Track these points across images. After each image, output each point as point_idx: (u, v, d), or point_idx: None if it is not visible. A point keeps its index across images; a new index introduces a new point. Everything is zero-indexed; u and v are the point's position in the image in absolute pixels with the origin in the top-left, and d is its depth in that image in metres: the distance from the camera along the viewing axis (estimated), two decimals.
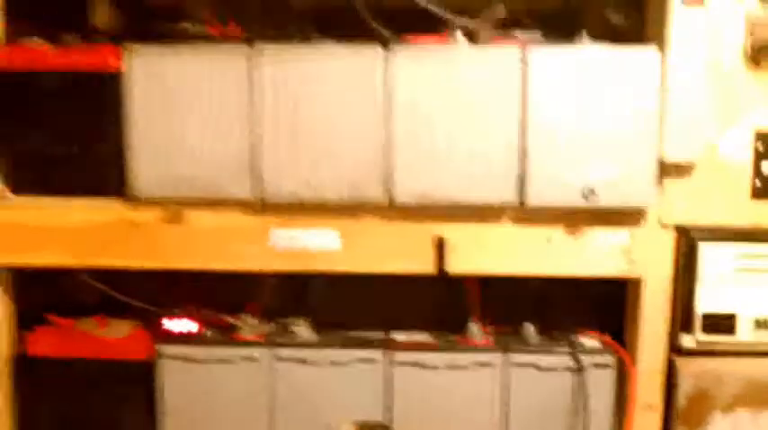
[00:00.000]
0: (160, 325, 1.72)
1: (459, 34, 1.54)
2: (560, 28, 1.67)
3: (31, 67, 1.54)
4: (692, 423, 1.60)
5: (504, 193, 1.54)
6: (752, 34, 1.51)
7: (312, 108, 1.52)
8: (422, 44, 1.53)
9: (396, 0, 1.57)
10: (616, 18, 1.69)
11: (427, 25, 1.61)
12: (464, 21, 1.59)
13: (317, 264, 1.60)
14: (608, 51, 1.51)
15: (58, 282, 1.73)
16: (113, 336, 1.69)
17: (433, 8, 1.58)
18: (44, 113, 1.57)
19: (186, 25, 1.53)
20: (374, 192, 1.55)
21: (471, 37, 1.57)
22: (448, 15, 1.59)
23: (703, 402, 1.59)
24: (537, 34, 1.56)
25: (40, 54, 1.55)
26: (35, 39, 1.55)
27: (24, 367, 1.70)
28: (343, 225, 1.58)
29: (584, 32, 1.53)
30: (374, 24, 1.55)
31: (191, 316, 1.74)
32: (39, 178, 1.59)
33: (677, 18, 1.48)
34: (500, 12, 1.63)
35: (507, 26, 1.62)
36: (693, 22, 1.48)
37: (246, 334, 1.71)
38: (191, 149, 1.54)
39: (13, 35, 1.61)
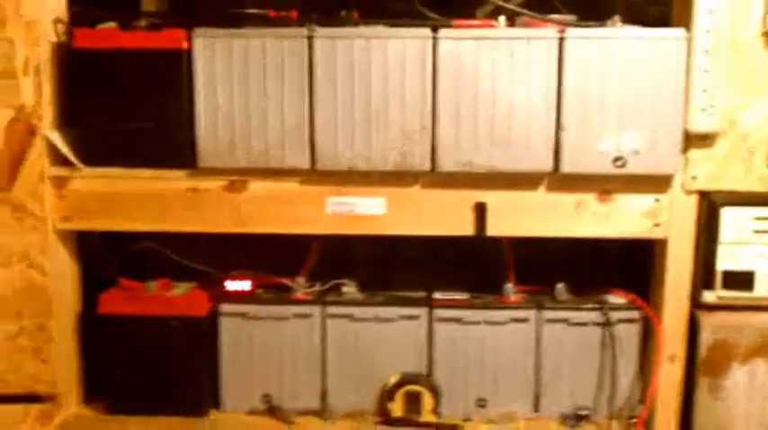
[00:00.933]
0: (220, 285, 1.84)
1: (501, 19, 1.64)
2: (588, 8, 1.80)
3: (107, 47, 1.64)
4: (712, 372, 1.70)
5: (540, 162, 1.63)
6: None
7: (364, 85, 1.62)
8: (466, 27, 1.62)
9: None
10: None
11: (467, 6, 1.74)
12: (499, 2, 1.70)
13: (365, 228, 1.70)
14: (638, 32, 1.60)
15: (127, 247, 1.85)
16: (176, 295, 1.80)
17: None
18: (115, 90, 1.66)
19: (250, 10, 1.64)
20: (419, 161, 1.65)
21: (511, 20, 1.66)
22: None
23: (723, 353, 1.69)
24: (572, 17, 1.65)
25: (115, 35, 1.65)
26: (109, 23, 1.66)
27: (95, 325, 1.81)
28: (391, 192, 1.69)
29: (616, 16, 1.62)
30: (422, 8, 1.65)
31: (248, 277, 1.85)
32: (109, 150, 1.69)
33: (701, 1, 1.57)
34: None
35: (539, 8, 1.71)
36: (716, 4, 1.56)
37: (299, 293, 1.83)
38: (252, 123, 1.65)
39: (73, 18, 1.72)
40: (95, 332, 1.82)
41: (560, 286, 1.81)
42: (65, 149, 1.67)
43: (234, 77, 1.64)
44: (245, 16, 1.64)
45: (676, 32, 1.59)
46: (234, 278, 1.85)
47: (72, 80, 1.70)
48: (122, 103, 1.66)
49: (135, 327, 1.78)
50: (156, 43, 1.64)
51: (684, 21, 1.59)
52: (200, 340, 1.80)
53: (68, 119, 1.72)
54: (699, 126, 1.61)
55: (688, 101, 1.59)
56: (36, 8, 1.64)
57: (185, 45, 1.63)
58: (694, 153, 1.64)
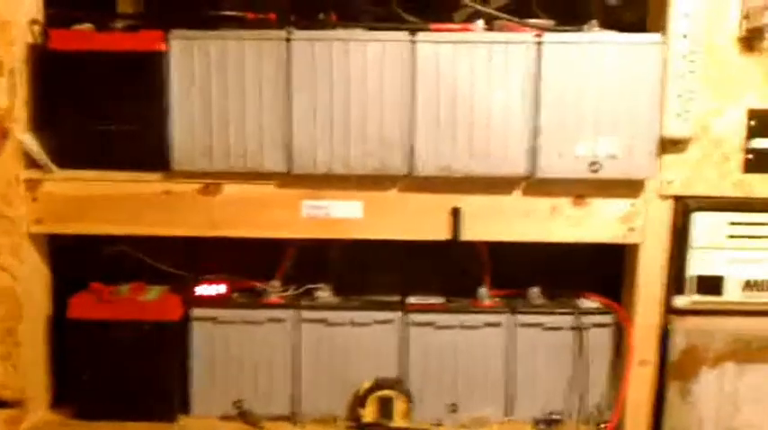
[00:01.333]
0: (192, 289, 1.83)
1: (479, 22, 1.65)
2: (565, 12, 1.82)
3: (82, 48, 1.63)
4: (682, 376, 1.72)
5: (516, 166, 1.64)
6: (746, 19, 1.61)
7: (342, 88, 1.62)
8: (445, 31, 1.63)
9: None
10: (618, 5, 1.83)
11: (445, 9, 1.75)
12: (477, 6, 1.71)
13: (341, 232, 1.70)
14: (615, 37, 1.62)
15: (97, 251, 1.83)
16: (148, 300, 1.79)
17: None
18: (90, 92, 1.65)
19: (227, 12, 1.63)
20: (396, 166, 1.65)
21: (489, 24, 1.67)
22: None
23: (694, 357, 1.71)
24: (550, 22, 1.66)
25: (91, 36, 1.64)
26: (85, 24, 1.65)
27: (64, 329, 1.79)
28: (367, 196, 1.69)
29: (593, 21, 1.64)
30: (402, 13, 1.66)
31: (221, 281, 1.84)
32: (84, 153, 1.68)
33: (677, 5, 1.58)
34: None
35: (516, 12, 1.73)
36: (692, 10, 1.58)
37: (272, 297, 1.82)
38: (228, 125, 1.65)
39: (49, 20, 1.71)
40: (65, 336, 1.80)
41: (534, 290, 1.84)
42: (38, 152, 1.65)
43: (211, 80, 1.64)
44: (223, 18, 1.64)
45: (652, 37, 1.61)
46: (207, 281, 1.84)
47: (47, 82, 1.68)
48: (97, 105, 1.65)
49: (105, 332, 1.77)
50: (132, 45, 1.63)
51: (660, 25, 1.62)
52: (171, 345, 1.79)
53: (43, 121, 1.70)
54: (674, 131, 1.63)
55: (664, 106, 1.61)
56: (11, 9, 1.62)
57: (162, 47, 1.62)
58: (669, 158, 1.66)
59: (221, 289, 1.84)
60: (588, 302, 1.81)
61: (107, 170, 1.69)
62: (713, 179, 1.67)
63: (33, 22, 1.67)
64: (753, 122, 1.65)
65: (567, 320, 1.79)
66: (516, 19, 1.66)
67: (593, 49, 1.61)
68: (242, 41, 1.62)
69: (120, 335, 1.76)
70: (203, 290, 1.84)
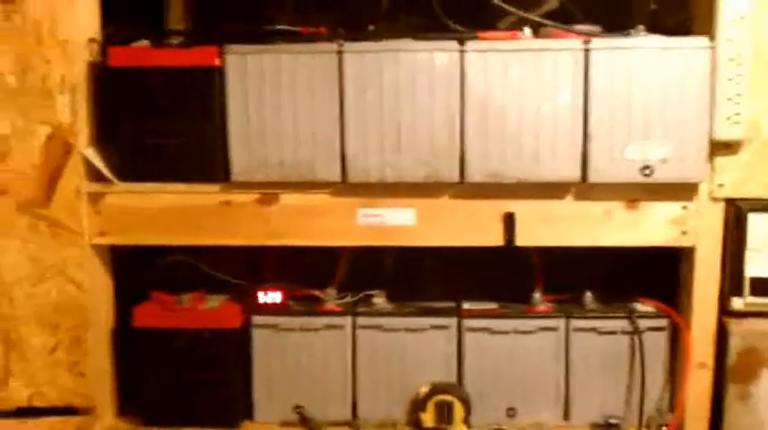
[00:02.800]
0: (251, 297, 1.89)
1: (526, 30, 1.69)
2: (609, 17, 1.86)
3: (140, 65, 1.72)
4: (741, 378, 1.73)
5: (567, 171, 1.68)
6: None
7: (393, 98, 1.68)
8: (493, 39, 1.68)
9: None
10: (660, 8, 1.86)
11: (491, 18, 1.80)
12: (523, 13, 1.75)
13: (395, 239, 1.76)
14: (663, 42, 1.64)
15: (161, 261, 1.92)
16: (209, 308, 1.86)
17: (496, 1, 1.74)
18: (149, 106, 1.73)
19: (280, 27, 1.71)
20: (447, 173, 1.70)
21: (535, 30, 1.72)
22: (507, 7, 1.74)
23: (752, 359, 1.72)
24: (596, 28, 1.70)
25: (148, 53, 1.73)
26: (141, 41, 1.74)
27: (130, 338, 1.88)
28: (420, 203, 1.74)
29: (640, 26, 1.68)
30: (449, 22, 1.72)
31: (279, 289, 1.90)
32: (144, 166, 1.75)
33: (724, 10, 1.61)
34: (555, 3, 1.83)
35: (562, 18, 1.78)
36: (739, 14, 1.61)
37: (329, 304, 1.88)
38: (284, 137, 1.71)
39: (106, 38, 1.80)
40: (130, 345, 1.88)
41: (588, 294, 1.86)
42: (100, 165, 1.74)
43: (265, 93, 1.70)
44: (275, 33, 1.71)
45: (700, 41, 1.64)
46: (265, 290, 1.90)
47: (107, 97, 1.77)
48: (156, 119, 1.73)
49: (169, 340, 1.85)
50: (188, 61, 1.71)
51: (708, 30, 1.65)
52: (233, 352, 1.86)
53: (104, 135, 1.79)
54: (724, 134, 1.65)
55: (713, 109, 1.64)
56: (71, 28, 1.71)
57: (217, 62, 1.70)
58: (720, 160, 1.69)
59: (278, 297, 1.90)
60: (643, 306, 1.84)
61: (167, 182, 1.76)
62: (765, 181, 1.69)
63: (92, 40, 1.76)
64: None
65: (621, 324, 1.81)
66: (563, 26, 1.70)
67: (641, 54, 1.64)
68: (294, 55, 1.69)
69: (184, 344, 1.84)
70: (262, 298, 1.90)
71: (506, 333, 1.83)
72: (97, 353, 1.84)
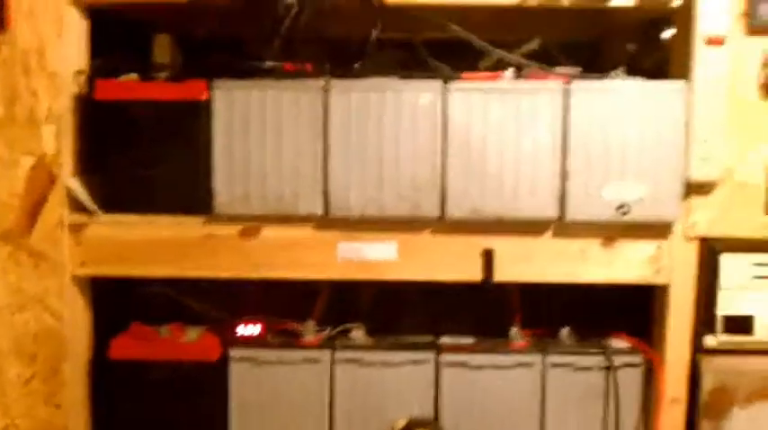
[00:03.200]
0: (230, 330, 1.91)
1: (508, 71, 1.75)
2: (588, 59, 1.93)
3: (126, 98, 1.75)
4: (713, 415, 1.77)
5: (545, 209, 1.73)
6: (766, 67, 1.71)
7: (377, 135, 1.72)
8: (475, 80, 1.74)
9: (442, 35, 1.78)
10: (636, 51, 1.93)
11: (472, 58, 1.85)
12: (505, 53, 1.81)
13: (376, 273, 1.79)
14: (640, 84, 1.71)
15: (140, 292, 1.94)
16: (188, 341, 1.88)
17: (478, 42, 1.79)
18: (135, 139, 1.76)
19: (267, 63, 1.75)
20: (429, 209, 1.74)
21: (517, 71, 1.78)
22: (490, 48, 1.80)
23: (724, 396, 1.77)
24: (576, 69, 1.77)
25: (134, 86, 1.76)
26: (130, 74, 1.77)
27: (106, 370, 1.88)
28: (401, 238, 1.78)
29: (619, 68, 1.75)
30: (432, 61, 1.77)
31: (258, 322, 1.93)
32: (128, 197, 1.78)
33: (700, 55, 1.67)
34: (536, 44, 1.89)
35: (541, 59, 1.84)
36: (715, 59, 1.67)
37: (308, 338, 1.90)
38: (268, 171, 1.74)
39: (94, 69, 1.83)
40: (107, 376, 1.88)
41: (565, 330, 1.90)
42: (83, 197, 1.76)
43: (250, 127, 1.74)
44: (262, 68, 1.75)
45: (676, 85, 1.70)
46: (244, 322, 1.92)
47: (93, 129, 1.79)
48: (142, 151, 1.76)
49: (146, 372, 1.85)
50: (175, 95, 1.74)
51: (683, 72, 1.71)
52: (211, 384, 1.86)
53: (89, 166, 1.81)
54: (699, 175, 1.71)
55: (688, 150, 1.71)
56: (59, 60, 1.74)
57: (204, 96, 1.74)
58: (695, 200, 1.75)
59: (257, 330, 1.92)
60: (618, 342, 1.88)
61: (150, 214, 1.78)
62: (738, 221, 1.75)
63: (79, 72, 1.78)
64: None
65: (597, 360, 1.84)
66: (544, 67, 1.76)
67: (620, 96, 1.70)
68: (280, 91, 1.73)
69: (161, 376, 1.84)
70: (240, 331, 1.92)
71: (483, 368, 1.85)
72: (74, 385, 1.85)
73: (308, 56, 1.79)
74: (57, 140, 1.76)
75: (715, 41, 1.67)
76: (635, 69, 1.80)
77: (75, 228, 1.80)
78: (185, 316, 1.93)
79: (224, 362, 1.88)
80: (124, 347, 1.87)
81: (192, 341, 1.88)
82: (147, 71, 1.80)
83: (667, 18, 1.81)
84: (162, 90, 1.76)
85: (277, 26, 1.71)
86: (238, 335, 1.92)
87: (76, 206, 1.79)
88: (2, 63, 1.73)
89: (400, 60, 1.85)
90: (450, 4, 1.74)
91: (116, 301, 1.96)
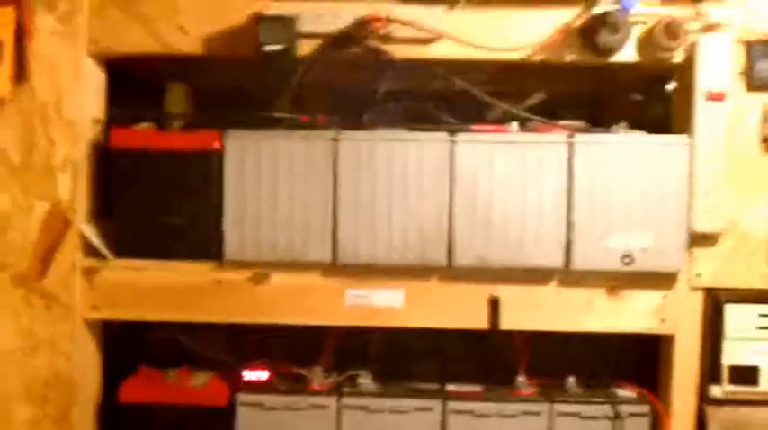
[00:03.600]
0: (238, 375, 1.94)
1: (514, 124, 1.81)
2: (591, 110, 1.98)
3: (140, 146, 1.81)
4: None
5: (551, 258, 1.77)
6: (766, 122, 1.76)
7: (384, 184, 1.77)
8: (482, 132, 1.79)
9: (448, 90, 1.85)
10: (639, 102, 1.99)
11: (479, 109, 1.91)
12: (509, 107, 1.87)
13: (383, 320, 1.83)
14: (643, 138, 1.77)
15: (150, 336, 1.99)
16: (196, 385, 1.91)
17: (483, 96, 1.85)
18: (148, 186, 1.81)
19: (278, 114, 1.81)
20: (436, 257, 1.79)
21: (522, 124, 1.83)
22: (495, 102, 1.86)
23: None
24: (580, 122, 1.82)
25: (148, 135, 1.82)
26: (144, 123, 1.83)
27: (115, 413, 1.91)
28: (408, 285, 1.82)
29: (622, 122, 1.80)
30: (441, 115, 1.83)
31: (265, 367, 1.96)
32: (141, 243, 1.83)
33: (701, 110, 1.73)
34: (540, 97, 1.95)
35: (546, 111, 1.90)
36: (716, 114, 1.73)
37: (315, 383, 1.93)
38: (277, 218, 1.79)
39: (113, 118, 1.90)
40: (115, 419, 1.92)
41: (571, 379, 1.92)
42: (97, 242, 1.81)
43: (261, 176, 1.79)
44: (274, 119, 1.81)
45: (679, 139, 1.76)
46: (251, 367, 1.95)
47: (108, 176, 1.85)
48: (155, 198, 1.81)
49: (154, 416, 1.89)
50: (189, 144, 1.80)
51: (685, 126, 1.76)
52: (218, 429, 1.89)
53: (103, 212, 1.86)
54: (702, 226, 1.75)
55: (692, 202, 1.75)
56: (76, 109, 1.80)
57: (217, 146, 1.79)
58: (699, 251, 1.79)
59: (264, 375, 1.94)
60: (624, 392, 1.89)
61: (162, 259, 1.83)
62: (742, 272, 1.78)
63: (96, 120, 1.85)
64: None
65: (604, 409, 1.86)
66: (549, 120, 1.81)
67: (623, 149, 1.75)
68: (292, 141, 1.79)
69: (170, 420, 1.88)
70: (248, 375, 1.95)
71: (490, 416, 1.87)
72: (83, 428, 1.88)
73: (318, 106, 1.84)
74: (72, 186, 1.81)
75: (716, 97, 1.73)
76: (640, 121, 1.85)
77: (88, 273, 1.84)
78: (193, 360, 1.97)
79: (231, 406, 1.90)
80: (133, 390, 1.90)
81: (199, 385, 1.91)
82: (162, 120, 1.86)
83: (671, 71, 1.85)
84: (175, 139, 1.82)
85: (289, 78, 1.75)
86: (246, 379, 1.95)
87: (90, 251, 1.84)
88: (20, 112, 1.79)
89: (408, 111, 1.89)
90: (456, 59, 1.79)
91: (125, 345, 2.00)
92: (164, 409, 1.89)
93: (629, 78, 1.98)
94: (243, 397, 1.90)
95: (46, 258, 1.80)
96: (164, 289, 1.84)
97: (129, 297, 1.84)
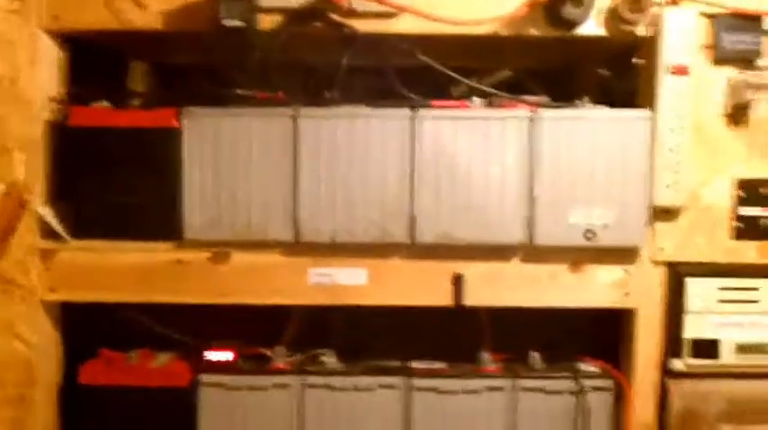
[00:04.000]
0: (200, 355, 1.93)
1: (477, 100, 1.81)
2: (560, 84, 1.99)
3: (99, 125, 1.78)
4: None
5: (513, 234, 1.78)
6: (731, 96, 1.78)
7: (346, 161, 1.77)
8: (444, 107, 1.79)
9: (413, 65, 1.83)
10: (608, 76, 2.00)
11: (444, 84, 1.90)
12: (473, 83, 1.87)
13: (347, 299, 1.83)
14: (606, 112, 1.77)
15: (109, 318, 1.96)
16: (157, 366, 1.91)
17: (447, 71, 1.84)
18: (106, 166, 1.79)
19: (239, 91, 1.79)
20: (398, 234, 1.79)
21: (486, 99, 1.83)
22: (459, 77, 1.86)
23: (692, 420, 1.82)
24: (544, 98, 1.83)
25: (108, 113, 1.80)
26: (102, 102, 1.81)
27: (76, 395, 1.90)
28: (371, 263, 1.82)
29: (585, 97, 1.81)
30: (402, 90, 1.82)
31: (228, 347, 1.95)
32: (99, 224, 1.81)
33: (665, 84, 1.74)
34: (506, 73, 1.95)
35: (514, 86, 1.91)
36: (680, 88, 1.74)
37: (278, 363, 1.93)
38: (238, 197, 1.78)
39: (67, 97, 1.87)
40: (76, 402, 1.90)
41: (535, 355, 1.94)
42: (54, 223, 1.79)
43: (221, 154, 1.78)
44: (234, 96, 1.79)
45: (641, 113, 1.77)
46: (214, 348, 1.94)
47: (66, 156, 1.82)
48: (113, 178, 1.79)
49: (116, 398, 1.87)
50: (147, 122, 1.77)
51: (650, 101, 1.77)
52: (181, 410, 1.88)
53: (61, 193, 1.84)
54: (664, 201, 1.77)
55: (654, 177, 1.76)
56: (33, 87, 1.78)
57: (175, 123, 1.77)
58: (660, 226, 1.81)
59: (228, 355, 1.94)
60: (587, 366, 1.92)
61: (121, 240, 1.81)
62: (704, 246, 1.81)
63: (52, 99, 1.82)
64: (740, 192, 1.79)
65: (567, 384, 1.89)
66: (511, 96, 1.81)
67: (585, 124, 1.76)
68: (251, 118, 1.77)
69: (131, 401, 1.87)
70: (210, 356, 1.94)
71: (455, 393, 1.89)
72: (42, 411, 1.87)
73: (280, 83, 1.83)
74: (28, 167, 1.79)
75: (679, 70, 1.74)
76: (609, 95, 1.86)
77: (46, 254, 1.82)
78: (155, 341, 1.96)
79: (194, 387, 1.90)
80: (93, 373, 1.89)
81: (161, 366, 1.91)
82: (121, 98, 1.85)
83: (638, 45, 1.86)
84: (133, 117, 1.79)
85: (250, 54, 1.74)
86: (208, 360, 1.94)
87: (47, 232, 1.82)
88: None
89: (371, 87, 1.88)
90: (421, 33, 1.78)
91: (85, 327, 1.97)
92: (124, 391, 1.88)
93: (599, 52, 1.98)
94: (205, 377, 1.90)
95: (2, 240, 1.78)
96: (123, 270, 1.82)
97: (87, 278, 1.83)
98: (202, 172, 1.79)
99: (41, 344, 1.86)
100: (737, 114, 1.77)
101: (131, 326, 1.95)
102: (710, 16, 1.77)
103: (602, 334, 1.96)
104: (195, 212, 1.80)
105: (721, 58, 1.77)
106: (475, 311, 1.93)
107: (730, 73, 1.77)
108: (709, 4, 1.76)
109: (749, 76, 1.76)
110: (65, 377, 1.93)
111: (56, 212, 1.82)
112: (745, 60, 1.77)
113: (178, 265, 1.82)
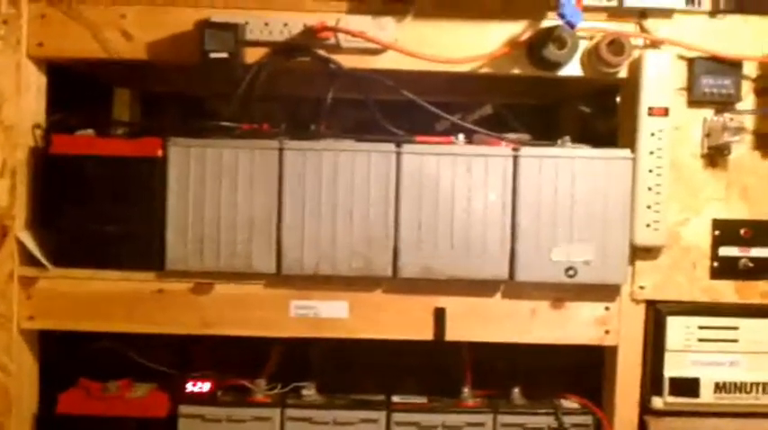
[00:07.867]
0: (180, 386, 1.98)
1: (460, 136, 1.89)
2: (542, 120, 2.07)
3: (82, 153, 1.85)
4: None
5: (496, 270, 1.85)
6: (708, 137, 1.86)
7: (331, 195, 1.83)
8: (428, 143, 1.87)
9: (398, 99, 1.90)
10: (589, 113, 2.09)
11: (427, 119, 1.99)
12: (459, 118, 1.96)
13: (328, 331, 1.89)
14: (587, 152, 1.85)
15: (88, 347, 2.01)
16: (136, 397, 1.95)
17: (431, 108, 1.92)
18: (89, 194, 1.85)
19: (224, 122, 1.87)
20: (381, 268, 1.85)
21: (469, 136, 1.91)
22: (442, 114, 1.93)
23: None
24: (526, 136, 1.91)
25: (90, 142, 1.86)
26: (87, 130, 1.87)
27: (54, 425, 1.94)
28: (353, 296, 1.88)
29: (567, 137, 1.89)
30: (389, 125, 1.89)
31: (208, 379, 2.00)
32: (81, 252, 1.86)
33: (644, 125, 1.82)
34: (488, 110, 2.04)
35: (495, 122, 2.00)
36: (658, 129, 1.82)
37: (258, 395, 1.98)
38: (221, 228, 1.84)
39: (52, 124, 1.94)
40: None
41: (516, 391, 2.00)
42: (35, 250, 1.84)
43: (205, 185, 1.84)
44: (218, 127, 1.86)
45: (623, 153, 1.85)
46: (194, 379, 1.99)
47: (48, 183, 1.88)
48: (96, 206, 1.85)
49: (94, 428, 1.93)
50: (131, 151, 1.84)
51: (630, 140, 1.85)
52: None
53: (43, 220, 1.90)
54: (644, 240, 1.85)
55: (634, 216, 1.84)
56: (16, 114, 1.84)
57: (160, 153, 1.84)
58: (641, 264, 1.89)
59: (207, 386, 1.99)
60: (568, 403, 1.98)
61: (102, 269, 1.87)
62: (684, 285, 1.89)
63: (36, 126, 1.89)
64: (717, 232, 1.88)
65: (548, 421, 1.95)
66: (494, 134, 1.90)
67: (567, 163, 1.84)
68: (236, 150, 1.84)
69: None
70: (190, 387, 1.99)
71: (435, 427, 1.95)
72: None
73: (264, 114, 1.90)
74: (10, 193, 1.85)
75: (658, 112, 1.82)
76: (589, 131, 1.95)
77: (26, 282, 1.88)
78: (135, 371, 2.01)
79: (173, 419, 1.95)
80: (72, 402, 1.94)
81: (140, 397, 1.96)
82: (105, 127, 1.92)
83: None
84: (117, 146, 1.86)
85: (235, 86, 1.81)
86: (188, 391, 1.99)
87: (28, 259, 1.87)
88: None
89: (356, 119, 1.95)
90: (404, 69, 1.87)
91: (65, 356, 2.03)
92: (102, 421, 1.92)
93: (580, 90, 2.07)
94: (184, 408, 1.95)
95: None
96: (104, 299, 1.88)
97: (67, 307, 1.88)
98: (186, 202, 1.85)
99: (19, 373, 1.90)
100: (715, 155, 1.86)
101: (111, 356, 2.00)
102: (690, 60, 1.86)
103: (584, 370, 2.02)
104: (178, 242, 1.85)
105: (699, 100, 1.86)
106: (456, 346, 2.00)
107: (708, 115, 1.87)
108: (688, 47, 1.85)
109: (726, 119, 1.85)
110: (43, 406, 1.98)
111: (37, 240, 1.87)
112: (724, 103, 1.86)
113: (160, 295, 1.88)
